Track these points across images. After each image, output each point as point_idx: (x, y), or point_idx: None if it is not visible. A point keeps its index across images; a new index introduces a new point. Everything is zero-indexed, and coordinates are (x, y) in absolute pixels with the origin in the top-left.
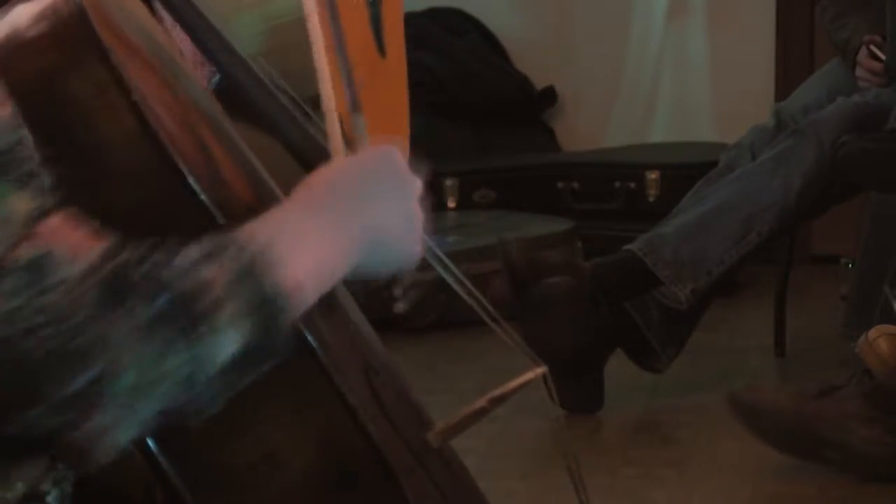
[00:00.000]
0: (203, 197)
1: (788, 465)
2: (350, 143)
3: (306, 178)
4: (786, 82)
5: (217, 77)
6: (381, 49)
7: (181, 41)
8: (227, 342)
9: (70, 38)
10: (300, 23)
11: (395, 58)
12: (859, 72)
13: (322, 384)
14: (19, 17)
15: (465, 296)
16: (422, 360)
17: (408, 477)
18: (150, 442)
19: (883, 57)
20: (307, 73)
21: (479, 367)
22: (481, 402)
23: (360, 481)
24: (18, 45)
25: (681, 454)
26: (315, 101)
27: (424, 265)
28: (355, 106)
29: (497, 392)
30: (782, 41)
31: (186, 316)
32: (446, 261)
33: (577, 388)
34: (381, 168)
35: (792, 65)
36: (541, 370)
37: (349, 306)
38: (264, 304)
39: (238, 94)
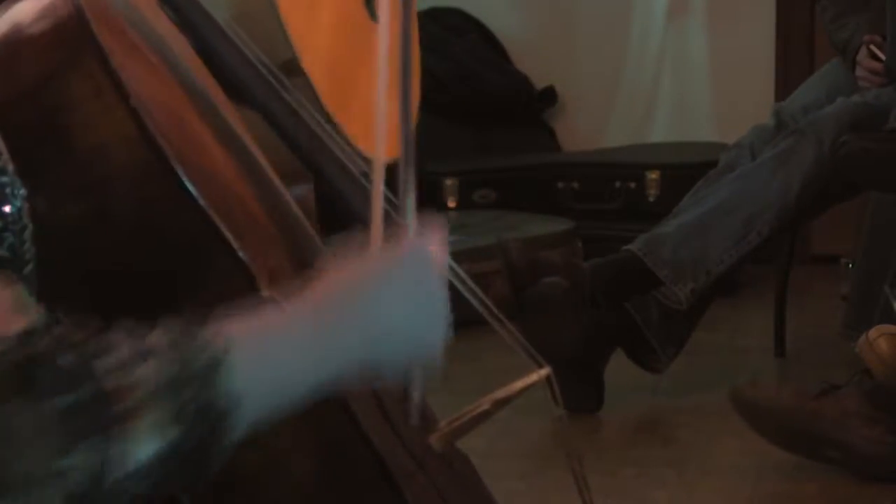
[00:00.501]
0: (200, 201)
1: (789, 464)
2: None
3: (323, 274)
4: (786, 82)
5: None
6: (373, 14)
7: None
8: (147, 444)
9: (68, 39)
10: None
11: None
12: (859, 72)
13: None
14: (18, 16)
15: (468, 296)
16: None
17: (409, 482)
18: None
19: (883, 57)
20: (275, 39)
21: (480, 368)
22: (485, 405)
23: (362, 488)
24: (16, 45)
25: (681, 454)
26: (287, 67)
27: None
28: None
29: (501, 394)
30: (782, 41)
31: (101, 415)
32: (451, 261)
33: (577, 388)
34: (405, 273)
35: (792, 65)
36: (545, 371)
37: None
38: (206, 410)
39: (239, 89)
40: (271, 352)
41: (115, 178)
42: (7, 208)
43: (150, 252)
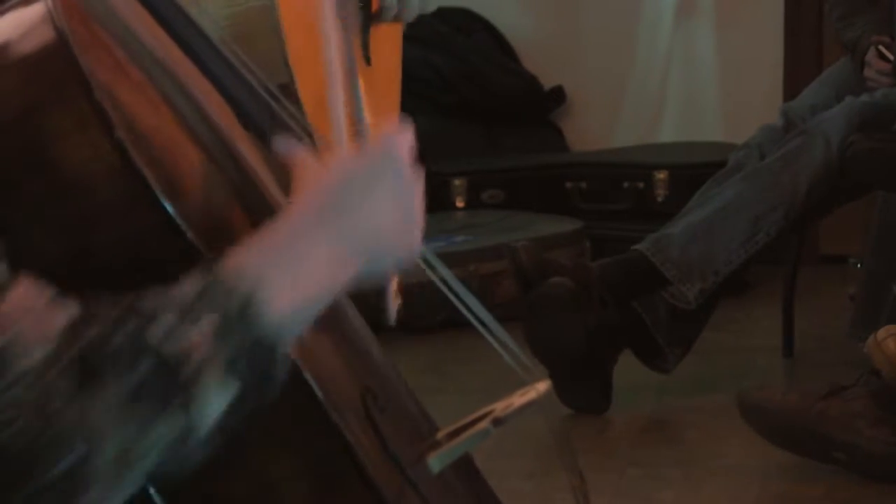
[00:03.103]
0: (189, 234)
1: (795, 465)
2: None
3: (302, 183)
4: (794, 82)
5: None
6: (367, 57)
7: None
8: (217, 400)
9: (51, 69)
10: (265, 9)
11: (384, 68)
12: (867, 72)
13: (318, 420)
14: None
15: (460, 307)
16: (429, 360)
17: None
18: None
19: (891, 57)
20: (273, 60)
21: (487, 368)
22: (483, 425)
23: None
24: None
25: (687, 454)
26: (283, 90)
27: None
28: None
29: (500, 409)
30: (790, 41)
31: (171, 384)
32: (444, 270)
33: (585, 389)
34: (381, 169)
35: (800, 65)
36: (543, 387)
37: (346, 314)
38: (254, 349)
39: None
40: (291, 271)
41: (101, 211)
42: None
43: (137, 289)
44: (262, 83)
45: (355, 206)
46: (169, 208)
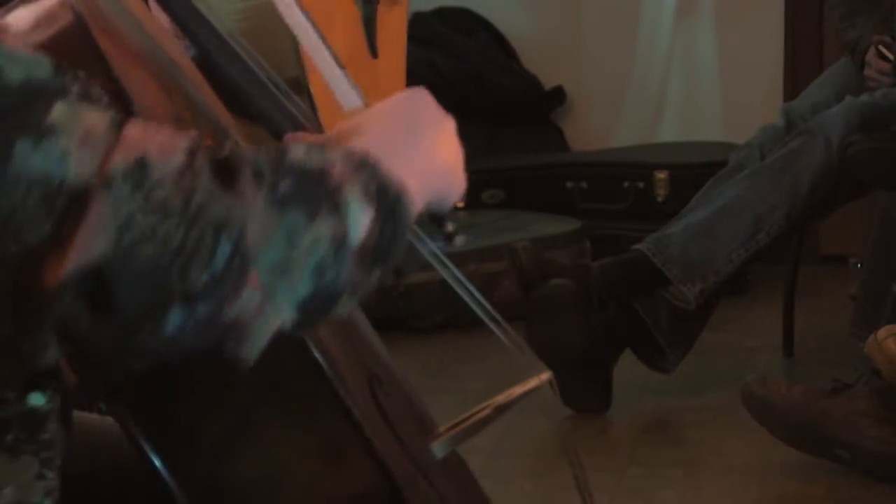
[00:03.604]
0: None
1: (797, 465)
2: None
3: (350, 121)
4: (794, 82)
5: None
6: (374, 51)
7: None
8: (360, 217)
9: (69, 48)
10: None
11: (390, 62)
12: (868, 71)
13: (327, 398)
14: (16, 24)
15: (467, 299)
16: (431, 360)
17: (410, 486)
18: (149, 449)
19: (891, 57)
20: (283, 55)
21: (489, 367)
22: (486, 411)
23: (364, 492)
24: None
25: (689, 454)
26: (293, 84)
27: (428, 267)
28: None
29: (502, 400)
30: (791, 41)
31: (317, 191)
32: (449, 264)
33: (585, 389)
34: (422, 107)
35: (801, 64)
36: (546, 376)
37: (353, 313)
38: (383, 191)
39: (224, 81)
40: (392, 159)
41: None
42: None
43: None
44: (271, 77)
45: (416, 133)
46: None
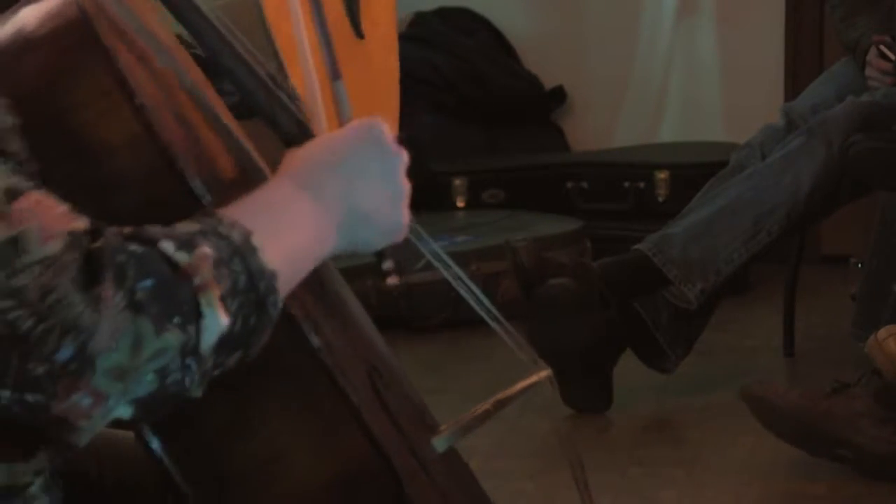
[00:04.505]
0: (206, 199)
1: (798, 464)
2: (332, 113)
3: (289, 154)
4: (795, 82)
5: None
6: (358, 31)
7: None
8: (217, 322)
9: (74, 42)
10: (250, 3)
11: (377, 40)
12: (869, 71)
13: (326, 385)
14: (24, 20)
15: (467, 297)
16: (430, 359)
17: (411, 480)
18: (152, 439)
19: (892, 57)
20: (261, 52)
21: (488, 367)
22: (486, 406)
23: (364, 483)
24: (22, 48)
25: (689, 454)
26: (272, 79)
27: (429, 266)
28: (335, 74)
29: (502, 395)
30: (791, 41)
31: (174, 298)
32: (450, 262)
33: (586, 388)
34: (365, 143)
35: (801, 64)
36: (545, 373)
37: (354, 308)
38: (251, 285)
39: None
40: (277, 226)
41: (122, 177)
42: None
43: None
44: (267, 71)
45: (337, 173)
46: (188, 174)
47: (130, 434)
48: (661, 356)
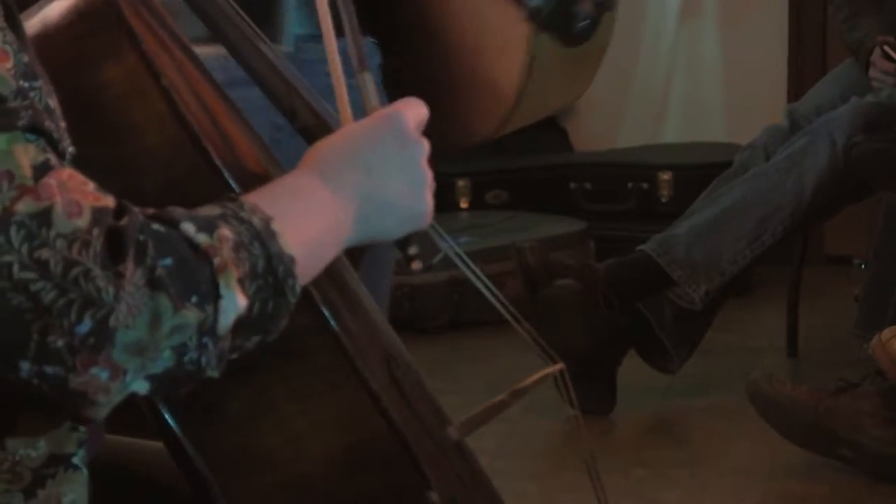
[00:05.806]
0: (227, 175)
1: (801, 465)
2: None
3: (312, 147)
4: (798, 83)
5: None
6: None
7: None
8: (234, 303)
9: (101, 24)
10: None
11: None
12: (873, 72)
13: (345, 369)
14: (53, 6)
15: (487, 294)
16: (434, 360)
17: (431, 465)
18: (172, 424)
19: None
20: None
21: (491, 368)
22: (502, 396)
23: (383, 465)
24: (51, 32)
25: (693, 455)
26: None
27: (445, 263)
28: (362, 64)
29: (518, 385)
30: (795, 42)
31: (193, 277)
32: (467, 259)
33: (590, 389)
34: (385, 133)
35: (805, 65)
36: (559, 365)
37: (369, 302)
38: (269, 269)
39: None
40: (297, 213)
41: (148, 155)
42: None
43: None
44: (294, 74)
45: (355, 163)
46: (212, 154)
47: (161, 462)
48: (665, 357)
